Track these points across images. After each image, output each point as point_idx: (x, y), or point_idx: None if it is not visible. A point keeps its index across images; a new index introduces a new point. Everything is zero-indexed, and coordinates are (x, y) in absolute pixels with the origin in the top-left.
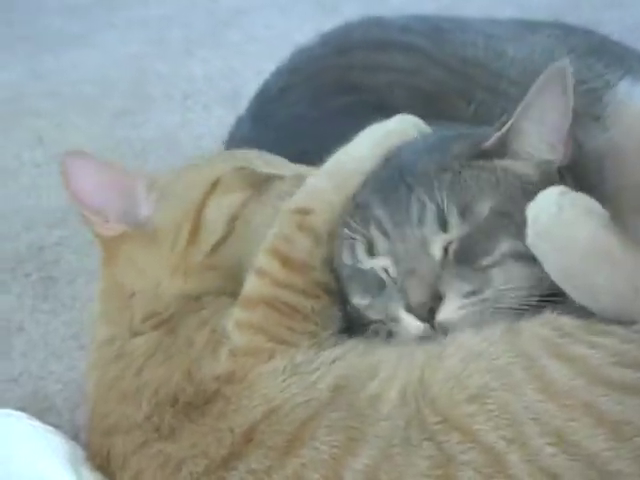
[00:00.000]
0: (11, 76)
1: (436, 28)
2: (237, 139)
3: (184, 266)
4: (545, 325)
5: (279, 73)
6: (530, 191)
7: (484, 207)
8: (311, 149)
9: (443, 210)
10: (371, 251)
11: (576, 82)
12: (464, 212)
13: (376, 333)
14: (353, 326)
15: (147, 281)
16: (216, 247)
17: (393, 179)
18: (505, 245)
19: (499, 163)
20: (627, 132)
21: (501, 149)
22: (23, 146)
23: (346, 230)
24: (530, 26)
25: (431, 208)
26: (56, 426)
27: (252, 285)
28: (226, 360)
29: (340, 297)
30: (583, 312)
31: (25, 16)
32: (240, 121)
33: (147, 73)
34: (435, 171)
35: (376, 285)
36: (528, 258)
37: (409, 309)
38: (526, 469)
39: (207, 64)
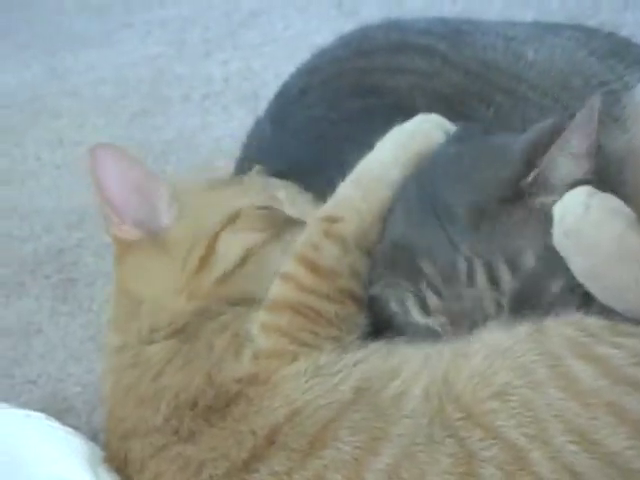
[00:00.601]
0: (30, 76)
1: (455, 31)
2: (255, 141)
3: (190, 288)
4: (570, 325)
5: (298, 74)
6: None
7: (530, 257)
8: (330, 151)
9: (492, 268)
10: (425, 309)
11: (597, 84)
12: (512, 265)
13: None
14: (380, 329)
15: (155, 292)
16: (224, 279)
17: (431, 220)
18: (556, 284)
19: (536, 201)
20: None
21: (537, 186)
22: (43, 146)
23: (392, 280)
24: (550, 29)
25: (479, 266)
26: (75, 427)
27: (279, 289)
28: (249, 362)
29: (368, 305)
30: (606, 312)
31: (44, 16)
32: (259, 123)
33: (165, 74)
34: (474, 218)
35: (430, 336)
36: (577, 288)
37: None
38: (549, 466)
39: (226, 65)
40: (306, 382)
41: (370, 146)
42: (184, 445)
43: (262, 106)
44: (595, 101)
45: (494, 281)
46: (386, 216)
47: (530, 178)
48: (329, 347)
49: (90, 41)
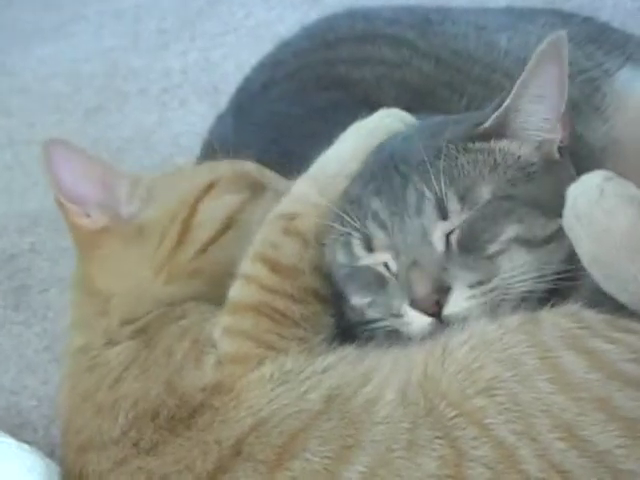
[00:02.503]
0: None
1: (425, 20)
2: (217, 137)
3: (169, 267)
4: (567, 316)
5: (261, 68)
6: (531, 173)
7: (484, 191)
8: (295, 147)
9: (441, 197)
10: (369, 246)
11: (576, 72)
12: (464, 198)
13: (371, 337)
14: (347, 331)
15: (127, 282)
16: (205, 248)
17: (386, 169)
18: (510, 230)
19: (497, 144)
20: (627, 124)
21: (499, 130)
22: None
23: (339, 226)
24: (524, 15)
25: (429, 196)
26: (31, 443)
27: (240, 291)
28: (212, 370)
29: (334, 302)
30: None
31: None
32: (220, 118)
33: (120, 68)
34: (430, 158)
35: (376, 282)
36: (534, 243)
37: (414, 304)
38: (537, 464)
39: (184, 57)
40: (272, 390)
41: (335, 141)
42: (145, 458)
43: (223, 100)
44: (560, 38)
45: (442, 211)
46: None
47: (490, 121)
48: (296, 349)
49: (40, 35)
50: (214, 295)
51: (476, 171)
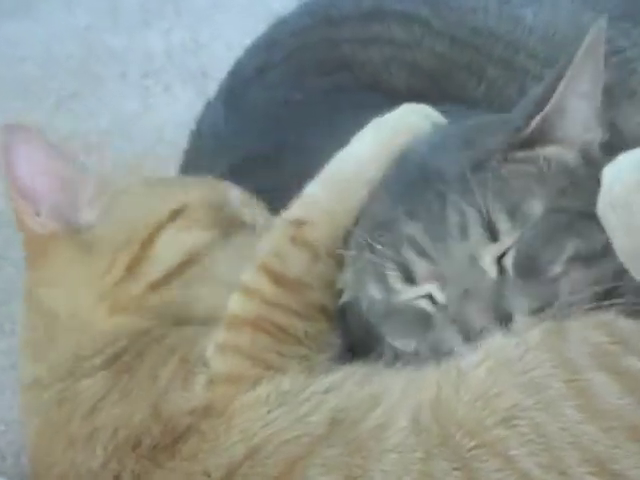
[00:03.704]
0: None
1: None
2: (206, 127)
3: (115, 295)
4: (598, 328)
5: (255, 49)
6: (579, 179)
7: (536, 206)
8: (294, 138)
9: (489, 216)
10: (409, 278)
11: (609, 52)
12: (513, 215)
13: (381, 354)
14: (355, 349)
15: (71, 301)
16: (158, 285)
17: (417, 186)
18: (571, 247)
19: (542, 151)
20: None
21: (543, 134)
22: None
23: (370, 255)
24: None
25: (473, 216)
26: None
27: (238, 304)
28: (202, 391)
29: (339, 322)
30: None
31: None
32: (210, 106)
33: (97, 49)
34: (469, 171)
35: (420, 319)
36: (593, 257)
37: (468, 338)
38: None
39: (167, 37)
40: (268, 413)
41: (339, 131)
42: None
43: (211, 85)
44: (600, 29)
45: (491, 231)
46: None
47: (533, 125)
48: (296, 368)
49: (7, 13)
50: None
51: (523, 183)
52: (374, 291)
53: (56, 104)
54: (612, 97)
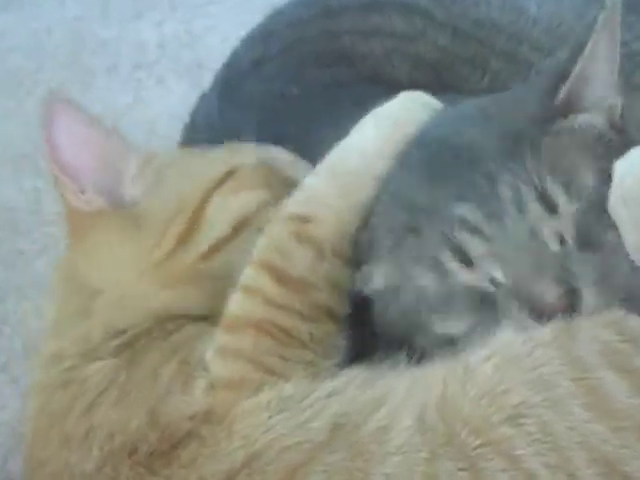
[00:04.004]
0: None
1: None
2: (201, 120)
3: (166, 268)
4: (608, 326)
5: (251, 41)
6: (610, 145)
7: (587, 176)
8: (292, 133)
9: (543, 189)
10: (466, 260)
11: None
12: (569, 187)
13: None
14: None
15: (118, 277)
16: (211, 252)
17: (453, 165)
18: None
19: (576, 120)
20: None
21: (574, 103)
22: None
23: (416, 242)
24: None
25: (528, 191)
26: None
27: (239, 304)
28: (202, 395)
29: (348, 323)
30: None
31: None
32: (204, 99)
33: (88, 40)
34: (513, 146)
35: (479, 300)
36: None
37: (540, 314)
38: None
39: (160, 28)
40: (269, 418)
41: (339, 126)
42: None
43: (206, 78)
44: (615, 2)
45: (549, 204)
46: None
47: (563, 94)
48: (300, 374)
49: None
50: (216, 312)
51: (570, 154)
52: (426, 279)
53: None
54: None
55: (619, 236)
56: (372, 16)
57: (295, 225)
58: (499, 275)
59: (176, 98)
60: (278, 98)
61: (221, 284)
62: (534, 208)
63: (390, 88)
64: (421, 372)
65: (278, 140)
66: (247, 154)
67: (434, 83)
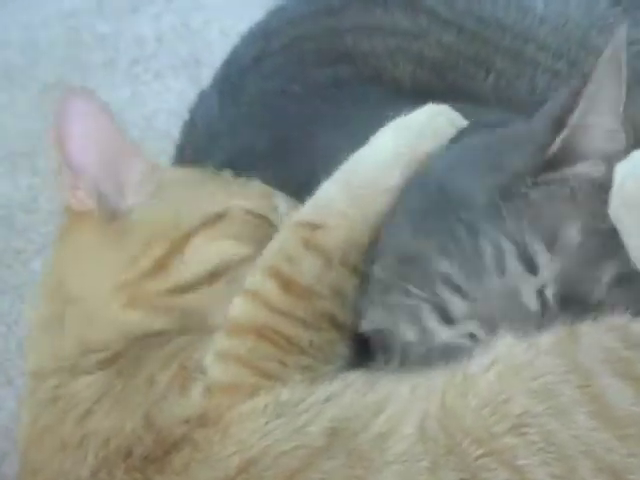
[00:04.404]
0: None
1: None
2: (200, 119)
3: (135, 289)
4: (611, 332)
5: (252, 38)
6: (606, 194)
7: (573, 232)
8: (293, 132)
9: (525, 247)
10: (447, 318)
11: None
12: (551, 244)
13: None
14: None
15: (91, 286)
16: (180, 290)
17: (442, 216)
18: (610, 270)
19: (570, 171)
20: None
21: (569, 153)
22: None
23: (401, 297)
24: None
25: (509, 248)
26: None
27: (241, 309)
28: (199, 399)
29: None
30: None
31: None
32: (204, 97)
33: (84, 35)
34: (498, 199)
35: (459, 359)
36: (631, 278)
37: None
38: None
39: (158, 22)
40: (266, 423)
41: (340, 126)
42: None
43: (204, 73)
44: (620, 37)
45: (529, 263)
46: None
47: (557, 145)
48: (297, 378)
49: None
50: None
51: (556, 208)
52: (409, 334)
53: (40, 93)
54: (628, 91)
55: (606, 291)
56: (375, 13)
57: (304, 231)
58: (479, 334)
59: (174, 93)
60: (279, 96)
61: (190, 324)
62: (514, 267)
63: (391, 88)
64: (421, 379)
65: (279, 138)
66: (246, 198)
67: (438, 82)
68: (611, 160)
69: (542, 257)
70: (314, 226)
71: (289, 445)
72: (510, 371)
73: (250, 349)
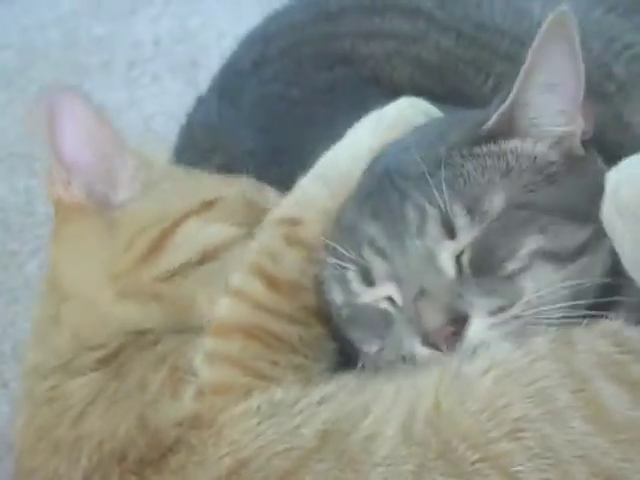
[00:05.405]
0: None
1: None
2: (199, 123)
3: (127, 279)
4: (606, 337)
5: (251, 42)
6: (552, 175)
7: (497, 201)
8: (292, 136)
9: (446, 212)
10: (368, 279)
11: (621, 47)
12: (473, 211)
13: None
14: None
15: (83, 282)
16: (172, 275)
17: (381, 186)
18: (531, 243)
19: (507, 145)
20: None
21: (507, 128)
22: None
23: (333, 259)
24: None
25: (431, 212)
26: None
27: (228, 309)
28: (191, 401)
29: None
30: None
31: None
32: (202, 101)
33: (81, 37)
34: (430, 167)
35: (382, 322)
36: (562, 256)
37: (426, 340)
38: None
39: (155, 24)
40: (259, 424)
41: (339, 130)
42: None
43: (202, 76)
44: (565, 13)
45: (449, 227)
46: None
47: (494, 119)
48: (290, 378)
49: None
50: (178, 329)
51: (485, 178)
52: (338, 295)
53: (37, 95)
54: (627, 94)
55: (526, 263)
56: (373, 18)
57: (284, 228)
58: (396, 296)
59: (171, 96)
60: (277, 100)
61: (183, 309)
62: (434, 230)
63: (390, 91)
64: (407, 380)
65: (278, 142)
66: (237, 187)
67: (436, 86)
68: (560, 141)
69: (461, 221)
70: (294, 221)
71: (282, 446)
72: (507, 376)
73: (239, 349)
